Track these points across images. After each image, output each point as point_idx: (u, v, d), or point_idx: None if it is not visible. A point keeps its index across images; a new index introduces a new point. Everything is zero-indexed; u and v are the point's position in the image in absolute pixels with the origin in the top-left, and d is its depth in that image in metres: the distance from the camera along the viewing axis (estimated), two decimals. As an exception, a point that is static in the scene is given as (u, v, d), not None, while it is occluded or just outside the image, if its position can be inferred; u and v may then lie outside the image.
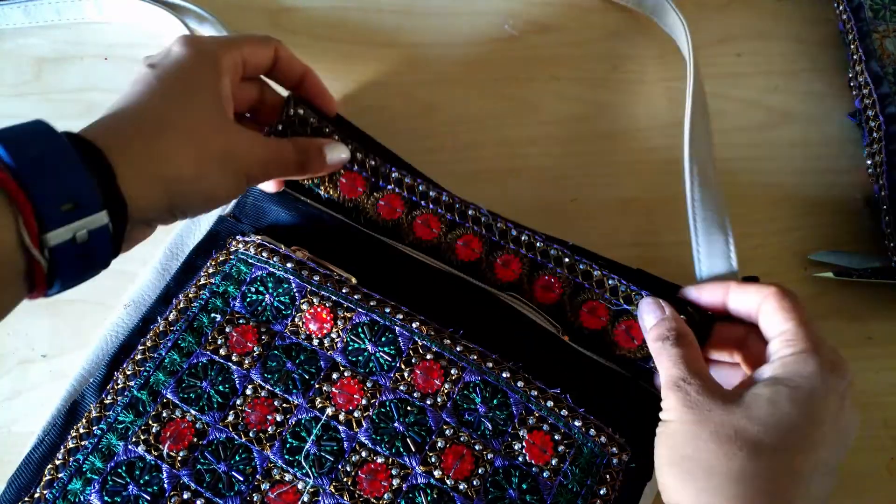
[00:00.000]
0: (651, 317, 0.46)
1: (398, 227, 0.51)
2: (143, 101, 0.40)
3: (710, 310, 0.47)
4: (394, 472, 0.44)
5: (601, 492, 0.44)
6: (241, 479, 0.44)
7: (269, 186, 0.51)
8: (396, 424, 0.45)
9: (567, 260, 0.50)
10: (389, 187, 0.51)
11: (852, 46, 0.62)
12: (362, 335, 0.47)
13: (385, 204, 0.51)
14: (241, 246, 0.50)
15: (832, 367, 0.39)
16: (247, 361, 0.47)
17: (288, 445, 0.44)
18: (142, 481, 0.43)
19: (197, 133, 0.40)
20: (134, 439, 0.44)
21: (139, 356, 0.47)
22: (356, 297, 0.48)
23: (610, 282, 0.49)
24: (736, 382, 0.43)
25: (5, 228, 0.31)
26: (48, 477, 0.44)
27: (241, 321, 0.48)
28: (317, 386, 0.46)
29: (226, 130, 0.42)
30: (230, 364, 0.46)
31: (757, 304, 0.44)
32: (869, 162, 0.59)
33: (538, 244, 0.51)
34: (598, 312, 0.49)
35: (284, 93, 0.51)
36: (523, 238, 0.51)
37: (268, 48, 0.48)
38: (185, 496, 0.43)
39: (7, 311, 0.34)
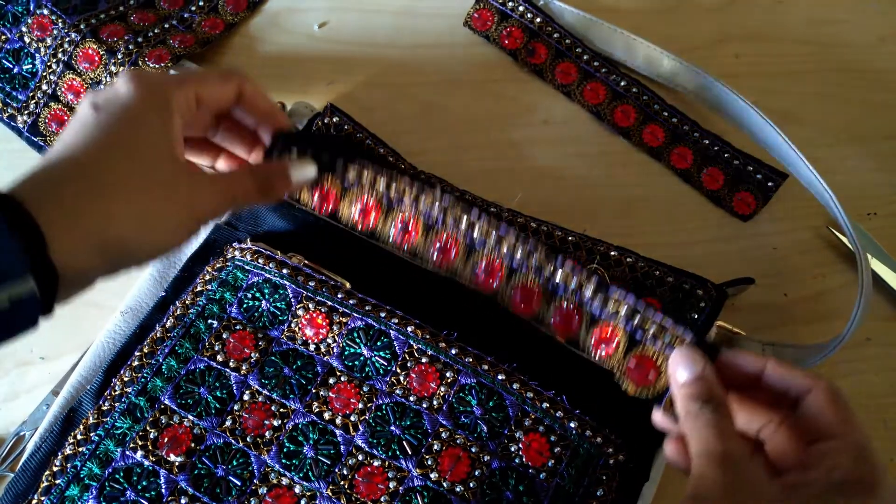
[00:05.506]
0: (685, 371, 0.40)
1: (415, 254, 0.47)
2: (83, 152, 0.37)
3: (742, 375, 0.42)
4: (390, 475, 0.44)
5: (598, 492, 0.44)
6: (239, 483, 0.44)
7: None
8: (393, 428, 0.45)
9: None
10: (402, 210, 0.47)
11: (852, 46, 0.62)
12: (358, 340, 0.47)
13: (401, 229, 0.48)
14: (237, 253, 0.50)
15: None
16: (244, 367, 0.47)
17: (285, 450, 0.45)
18: (139, 487, 0.44)
19: (143, 188, 0.37)
20: (132, 445, 0.45)
21: (137, 363, 0.47)
22: (351, 301, 0.48)
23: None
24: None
25: None
26: (45, 483, 0.44)
27: (237, 327, 0.48)
28: (314, 391, 0.46)
29: (174, 182, 0.39)
30: (227, 370, 0.47)
31: (804, 388, 0.39)
32: (869, 162, 0.59)
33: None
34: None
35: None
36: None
37: (228, 86, 0.44)
38: (183, 501, 0.43)
39: None
